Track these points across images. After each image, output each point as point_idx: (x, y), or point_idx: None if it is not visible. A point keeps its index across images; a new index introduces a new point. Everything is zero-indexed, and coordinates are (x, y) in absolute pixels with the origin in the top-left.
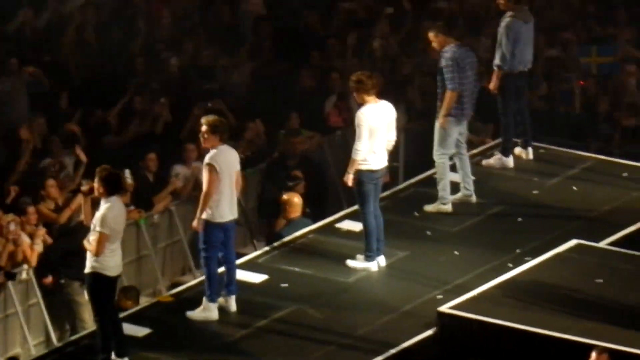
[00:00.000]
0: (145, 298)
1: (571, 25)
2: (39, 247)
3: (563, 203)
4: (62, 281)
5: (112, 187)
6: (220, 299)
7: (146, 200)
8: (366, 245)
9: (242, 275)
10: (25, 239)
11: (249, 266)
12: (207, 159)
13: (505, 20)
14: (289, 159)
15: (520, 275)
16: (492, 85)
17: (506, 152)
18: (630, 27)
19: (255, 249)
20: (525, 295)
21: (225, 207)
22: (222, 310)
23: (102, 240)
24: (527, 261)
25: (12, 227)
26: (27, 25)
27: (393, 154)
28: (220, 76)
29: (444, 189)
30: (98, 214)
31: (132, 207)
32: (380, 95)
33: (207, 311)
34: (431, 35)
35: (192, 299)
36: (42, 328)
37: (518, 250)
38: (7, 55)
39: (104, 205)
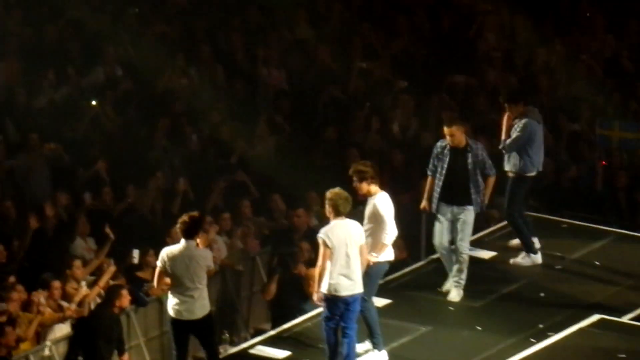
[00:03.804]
0: None
1: (592, 100)
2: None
3: (585, 278)
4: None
5: (188, 231)
6: None
7: None
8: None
9: (265, 350)
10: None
11: (273, 342)
12: (320, 232)
13: (523, 122)
14: (294, 233)
15: (542, 351)
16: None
17: (530, 249)
18: None
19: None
20: None
21: (340, 281)
22: None
23: (159, 273)
24: (550, 336)
25: (42, 300)
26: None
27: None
28: (239, 150)
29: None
30: None
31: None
32: (404, 170)
33: None
34: (453, 129)
35: None
36: None
37: (541, 325)
38: (28, 131)
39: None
